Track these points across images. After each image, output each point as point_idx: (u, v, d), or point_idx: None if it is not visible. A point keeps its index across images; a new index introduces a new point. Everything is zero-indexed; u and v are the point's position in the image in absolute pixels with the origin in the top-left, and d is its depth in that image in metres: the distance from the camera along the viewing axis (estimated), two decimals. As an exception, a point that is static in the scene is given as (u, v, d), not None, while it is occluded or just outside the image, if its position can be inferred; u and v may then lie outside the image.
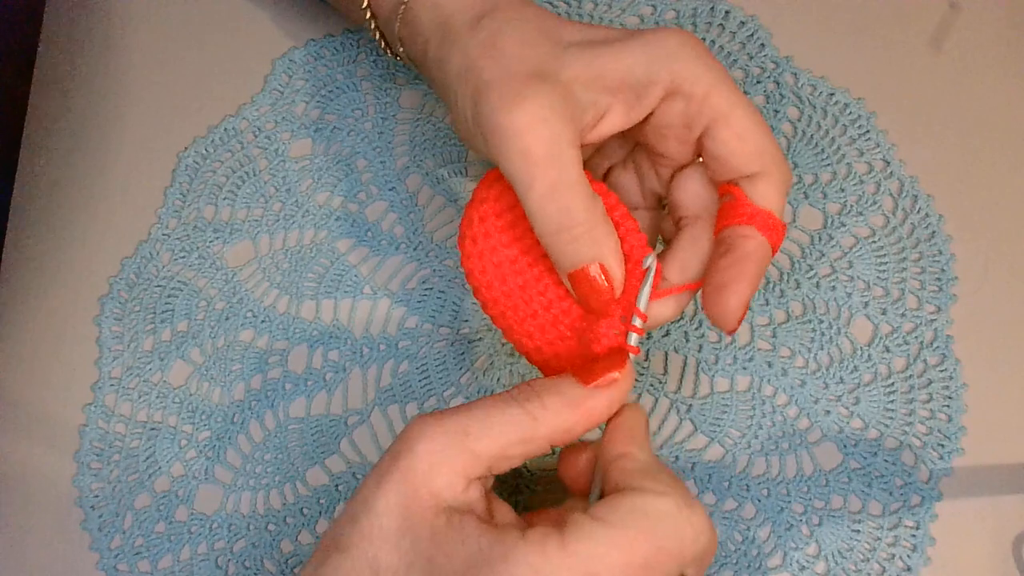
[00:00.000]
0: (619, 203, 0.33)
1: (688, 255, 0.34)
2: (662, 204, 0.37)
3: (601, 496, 0.30)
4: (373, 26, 0.39)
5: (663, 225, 0.37)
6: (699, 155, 0.34)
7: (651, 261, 0.32)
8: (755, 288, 0.32)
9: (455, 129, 0.36)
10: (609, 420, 0.31)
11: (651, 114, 0.33)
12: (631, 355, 0.32)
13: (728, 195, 0.33)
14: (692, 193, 0.34)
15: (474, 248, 0.33)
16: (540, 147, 0.30)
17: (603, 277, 0.31)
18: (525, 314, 0.34)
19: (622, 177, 0.37)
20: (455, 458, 0.29)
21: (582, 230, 0.30)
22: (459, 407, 0.30)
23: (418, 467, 0.28)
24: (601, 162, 0.37)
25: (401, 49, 0.38)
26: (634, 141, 0.36)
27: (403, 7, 0.36)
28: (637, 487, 0.28)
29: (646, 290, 0.32)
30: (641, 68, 0.31)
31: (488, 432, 0.29)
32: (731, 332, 0.32)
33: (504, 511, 0.30)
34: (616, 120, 0.32)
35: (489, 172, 0.34)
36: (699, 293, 0.34)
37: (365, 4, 0.38)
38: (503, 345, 0.41)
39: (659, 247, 0.37)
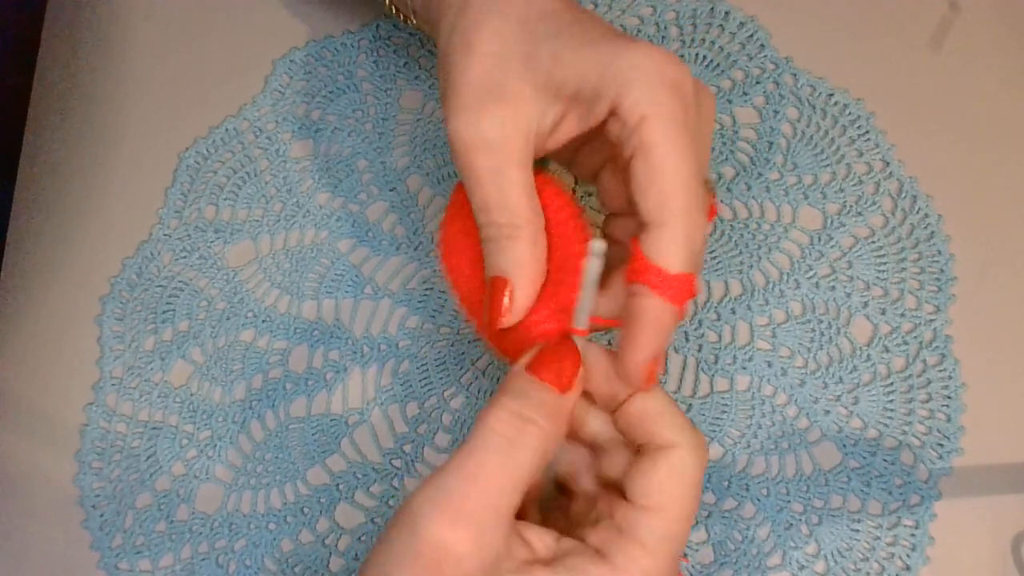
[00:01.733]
0: (569, 203, 0.33)
1: (621, 281, 0.33)
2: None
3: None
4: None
5: None
6: None
7: (599, 247, 0.30)
8: (658, 345, 0.30)
9: None
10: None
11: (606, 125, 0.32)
12: (576, 337, 0.32)
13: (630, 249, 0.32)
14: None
15: (444, 241, 0.35)
16: (483, 165, 0.31)
17: (508, 298, 0.32)
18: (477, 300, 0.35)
19: (610, 179, 0.36)
20: (498, 536, 0.28)
21: (504, 244, 0.32)
22: (462, 474, 0.28)
23: (469, 569, 0.28)
24: (592, 157, 0.36)
25: (413, 17, 0.39)
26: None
27: None
28: (650, 441, 0.30)
29: (588, 284, 0.31)
30: (592, 80, 0.31)
31: (511, 491, 0.29)
32: (639, 389, 0.31)
33: (536, 536, 0.30)
34: (571, 127, 0.33)
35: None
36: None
37: None
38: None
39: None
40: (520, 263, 0.32)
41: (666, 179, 0.30)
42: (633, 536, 0.29)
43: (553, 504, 0.34)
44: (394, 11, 0.40)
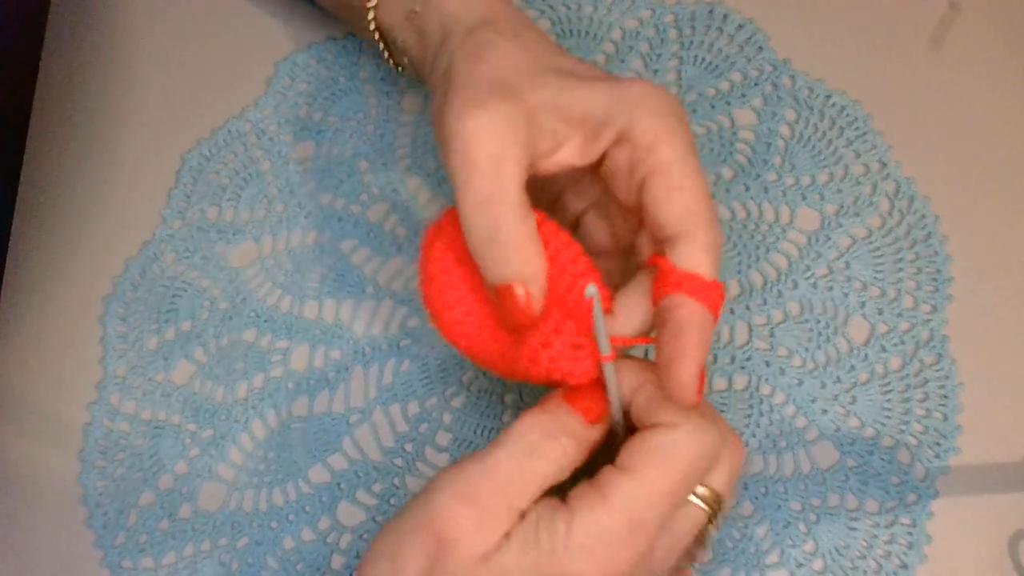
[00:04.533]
0: (559, 229, 0.33)
1: (634, 299, 0.33)
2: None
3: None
4: (377, 37, 0.39)
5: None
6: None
7: (593, 290, 0.30)
8: (704, 354, 0.31)
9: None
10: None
11: (605, 157, 0.33)
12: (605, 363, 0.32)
13: (655, 266, 0.32)
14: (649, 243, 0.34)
15: (431, 282, 0.34)
16: (482, 156, 0.30)
17: (525, 298, 0.32)
18: (475, 339, 0.34)
19: (595, 221, 0.37)
20: (503, 525, 0.30)
21: (509, 248, 0.31)
22: (481, 467, 0.30)
23: (468, 551, 0.29)
24: (575, 202, 0.37)
25: (406, 59, 0.39)
26: (602, 186, 0.37)
27: (414, 14, 0.37)
28: (654, 423, 0.31)
29: (599, 319, 0.30)
30: (602, 107, 0.32)
31: (525, 493, 0.30)
32: (693, 406, 0.31)
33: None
34: (571, 154, 0.33)
35: (447, 209, 0.34)
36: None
37: (371, 16, 0.39)
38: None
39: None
40: (530, 264, 0.31)
41: (688, 193, 0.31)
42: (600, 489, 0.30)
43: None
44: (381, 47, 0.40)
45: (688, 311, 0.31)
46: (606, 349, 0.31)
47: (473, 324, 0.34)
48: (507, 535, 0.30)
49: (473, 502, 0.30)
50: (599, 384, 0.32)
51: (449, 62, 0.33)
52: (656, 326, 0.32)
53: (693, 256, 0.31)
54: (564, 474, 0.31)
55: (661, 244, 0.32)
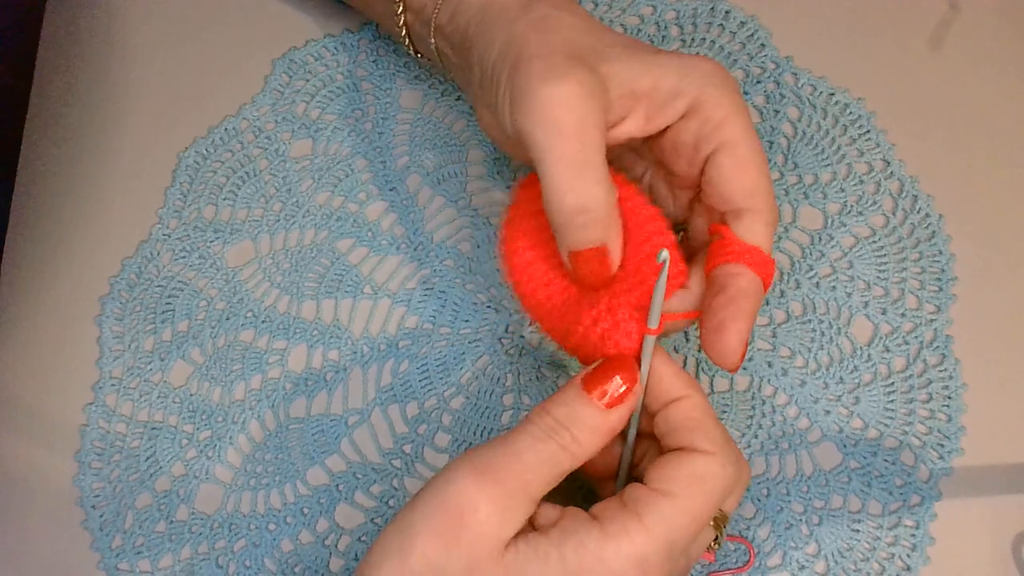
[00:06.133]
0: (637, 192, 0.34)
1: (694, 279, 0.34)
2: (676, 230, 0.38)
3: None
4: (403, 21, 0.39)
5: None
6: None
7: (665, 255, 0.30)
8: (751, 323, 0.32)
9: (480, 117, 0.36)
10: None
11: (667, 130, 0.34)
12: (649, 336, 0.32)
13: (716, 234, 0.33)
14: (704, 223, 0.35)
15: (511, 248, 0.35)
16: (571, 121, 0.30)
17: (604, 261, 0.33)
18: (551, 307, 0.35)
19: (656, 185, 0.38)
20: (521, 511, 0.30)
21: (598, 214, 0.31)
22: (501, 449, 0.31)
23: (486, 531, 0.29)
24: (633, 170, 0.38)
25: (432, 41, 0.38)
26: (649, 161, 0.37)
27: None
28: (687, 445, 0.31)
29: (660, 286, 0.31)
30: (672, 80, 0.32)
31: (541, 477, 0.31)
32: (734, 370, 0.32)
33: (540, 511, 0.32)
34: (634, 126, 0.33)
35: (524, 178, 0.36)
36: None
37: None
38: (503, 345, 0.41)
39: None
40: (614, 229, 0.32)
41: (754, 170, 0.33)
42: (633, 509, 0.30)
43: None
44: (404, 32, 0.40)
45: (747, 280, 0.32)
46: (655, 322, 0.31)
47: (546, 294, 0.35)
48: (525, 539, 0.30)
49: (495, 482, 0.30)
50: (624, 364, 0.32)
51: (510, 34, 0.33)
52: (709, 291, 0.33)
53: (756, 230, 0.33)
54: (579, 463, 0.31)
55: (719, 215, 0.33)
